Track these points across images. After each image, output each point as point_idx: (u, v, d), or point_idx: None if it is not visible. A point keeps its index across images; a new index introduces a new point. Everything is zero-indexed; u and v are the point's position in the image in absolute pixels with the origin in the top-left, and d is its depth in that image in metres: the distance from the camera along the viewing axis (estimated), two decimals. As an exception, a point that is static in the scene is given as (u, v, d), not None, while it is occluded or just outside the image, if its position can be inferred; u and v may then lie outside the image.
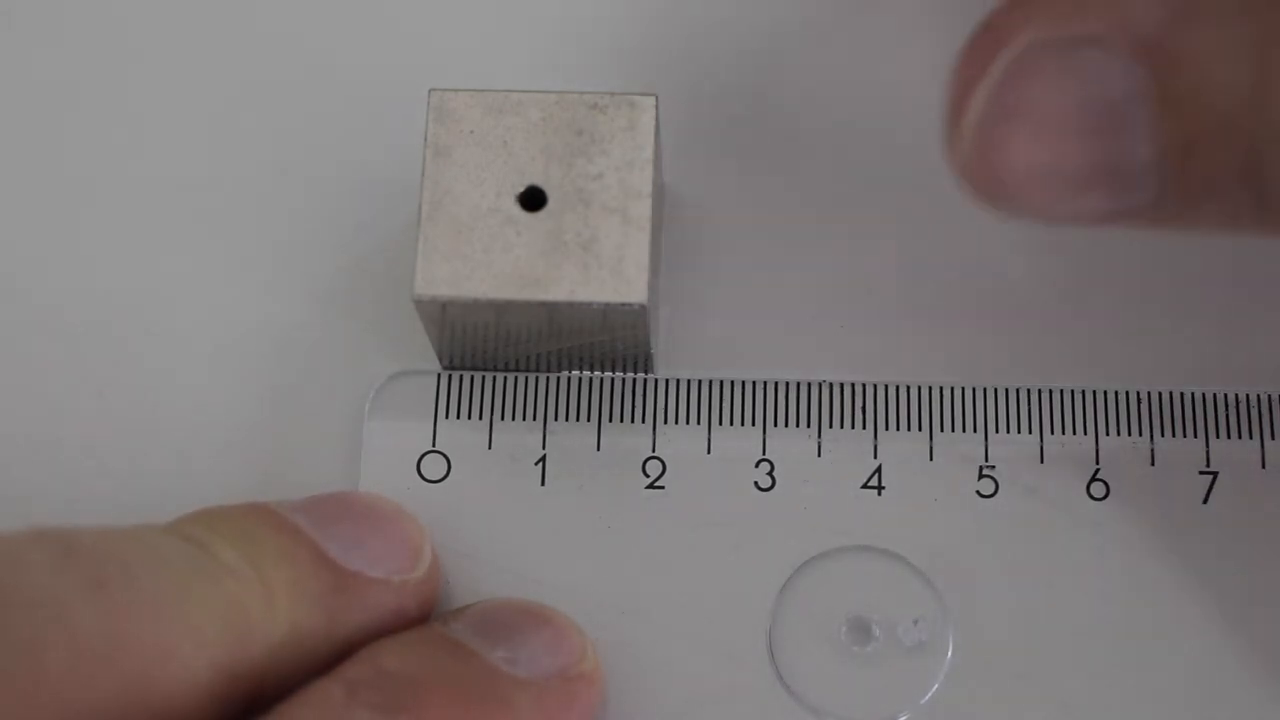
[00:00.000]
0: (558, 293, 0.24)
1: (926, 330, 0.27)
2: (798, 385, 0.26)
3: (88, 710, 0.20)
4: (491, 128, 0.25)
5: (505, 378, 0.27)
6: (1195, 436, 0.26)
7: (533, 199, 0.25)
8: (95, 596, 0.20)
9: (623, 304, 0.24)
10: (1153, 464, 0.26)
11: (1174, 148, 0.20)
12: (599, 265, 0.24)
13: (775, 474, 0.26)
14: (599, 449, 0.26)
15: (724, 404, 0.26)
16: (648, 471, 0.26)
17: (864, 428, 0.26)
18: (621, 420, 0.26)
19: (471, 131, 0.25)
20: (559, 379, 0.27)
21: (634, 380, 0.27)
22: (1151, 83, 0.19)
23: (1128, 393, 0.26)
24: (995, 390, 0.26)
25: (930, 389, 0.26)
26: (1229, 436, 0.26)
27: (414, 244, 0.25)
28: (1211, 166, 0.20)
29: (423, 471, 0.26)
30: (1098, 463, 0.26)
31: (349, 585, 0.23)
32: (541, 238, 0.24)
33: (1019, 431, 0.26)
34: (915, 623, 0.25)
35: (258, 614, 0.22)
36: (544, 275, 0.24)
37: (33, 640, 0.20)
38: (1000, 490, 0.26)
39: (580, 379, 0.27)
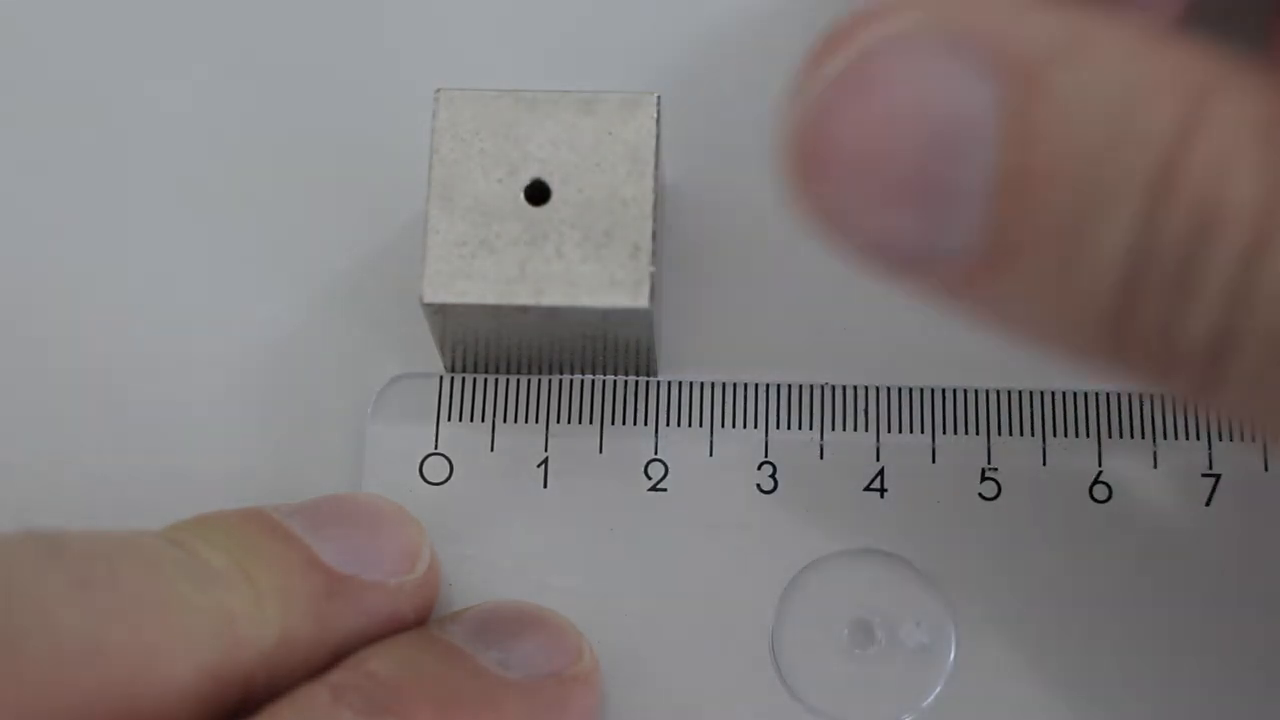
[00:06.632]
0: (563, 297, 0.24)
1: (929, 332, 0.27)
2: (800, 387, 0.26)
3: (69, 710, 0.20)
4: (496, 128, 0.25)
5: (507, 380, 0.27)
6: (1198, 439, 0.26)
7: (537, 200, 0.25)
8: (80, 597, 0.20)
9: (627, 308, 0.24)
10: (1155, 467, 0.26)
11: (1008, 182, 0.18)
12: (603, 268, 0.24)
13: (777, 476, 0.26)
14: (601, 451, 0.26)
15: (726, 406, 0.26)
16: (650, 474, 0.26)
17: (866, 430, 0.26)
18: (624, 423, 0.26)
19: (477, 132, 0.25)
20: (561, 381, 0.27)
21: (636, 383, 0.27)
22: (1008, 105, 0.18)
23: (1131, 395, 0.26)
24: (998, 392, 0.26)
25: (933, 391, 0.26)
26: (1232, 439, 0.26)
27: (417, 247, 0.25)
28: (1038, 213, 0.18)
29: (425, 474, 0.26)
30: (1100, 465, 0.26)
31: (342, 589, 0.23)
32: (546, 240, 0.24)
33: (1022, 434, 0.26)
34: (918, 625, 0.25)
35: (246, 619, 0.22)
36: (549, 279, 0.24)
37: (14, 638, 0.20)
38: (1003, 493, 0.26)
39: (583, 381, 0.27)
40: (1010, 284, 0.19)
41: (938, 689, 0.25)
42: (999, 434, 0.26)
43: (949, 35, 0.18)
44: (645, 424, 0.26)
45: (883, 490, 0.26)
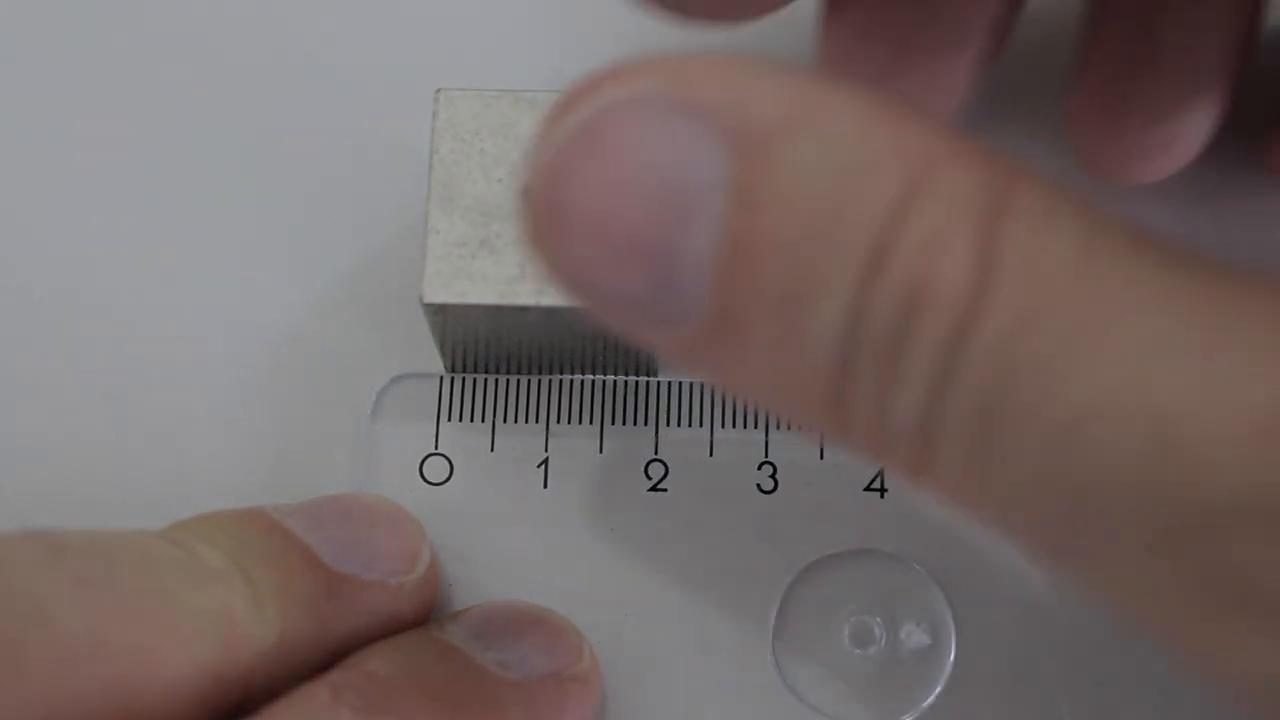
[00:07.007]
0: (563, 297, 0.24)
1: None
2: (800, 387, 0.26)
3: (68, 709, 0.20)
4: (496, 128, 0.25)
5: (507, 380, 0.27)
6: (1198, 439, 0.26)
7: None
8: (79, 597, 0.20)
9: None
10: (1156, 466, 0.26)
11: (731, 253, 0.18)
12: None
13: (778, 476, 0.26)
14: (601, 451, 0.26)
15: (726, 406, 0.26)
16: (650, 474, 0.26)
17: (866, 430, 0.26)
18: (624, 423, 0.26)
19: (477, 132, 0.25)
20: (561, 381, 0.27)
21: (636, 383, 0.27)
22: (735, 175, 0.18)
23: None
24: (998, 392, 0.26)
25: (933, 391, 0.26)
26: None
27: (418, 247, 0.25)
28: (758, 286, 0.18)
29: (425, 474, 0.26)
30: (1101, 465, 0.26)
31: (341, 589, 0.23)
32: None
33: (1022, 434, 0.26)
34: (918, 625, 0.25)
35: (246, 619, 0.22)
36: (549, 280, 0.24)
37: (14, 639, 0.20)
38: (1003, 493, 0.26)
39: (583, 381, 0.27)
40: (733, 355, 0.18)
41: (938, 690, 0.25)
42: (999, 434, 0.26)
43: (681, 101, 0.18)
44: (645, 424, 0.26)
45: (883, 490, 0.26)
